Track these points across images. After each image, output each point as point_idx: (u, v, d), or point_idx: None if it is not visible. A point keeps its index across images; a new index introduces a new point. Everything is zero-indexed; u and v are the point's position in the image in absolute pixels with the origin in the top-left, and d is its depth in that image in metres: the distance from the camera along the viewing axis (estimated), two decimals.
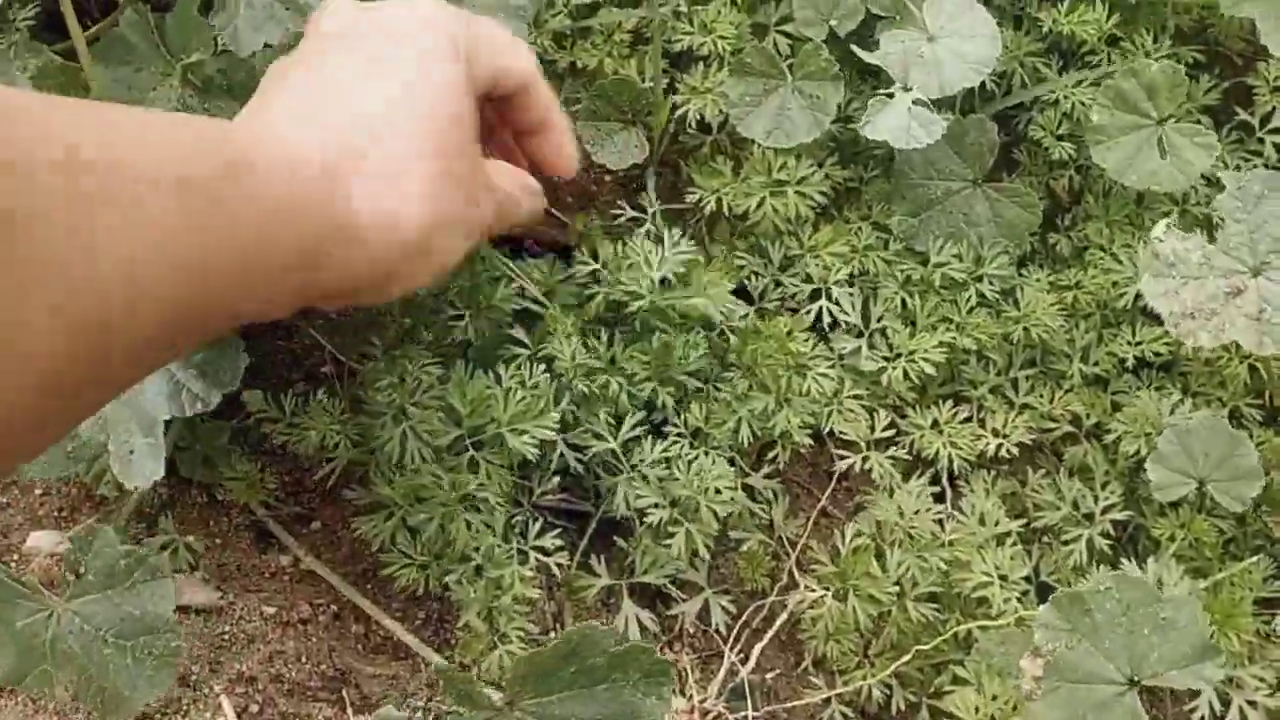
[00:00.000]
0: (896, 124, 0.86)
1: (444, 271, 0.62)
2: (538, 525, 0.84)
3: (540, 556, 0.82)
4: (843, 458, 0.89)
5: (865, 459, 0.88)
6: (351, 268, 0.56)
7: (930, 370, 0.87)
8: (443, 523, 0.81)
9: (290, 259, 0.52)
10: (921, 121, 0.86)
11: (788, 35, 0.98)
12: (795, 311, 0.92)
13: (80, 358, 0.42)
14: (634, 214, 0.97)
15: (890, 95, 0.88)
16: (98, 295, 0.42)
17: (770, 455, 0.90)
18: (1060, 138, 0.95)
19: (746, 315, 0.92)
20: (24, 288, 0.40)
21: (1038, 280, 0.92)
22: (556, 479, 0.87)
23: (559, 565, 0.83)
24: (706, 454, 0.85)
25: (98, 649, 0.72)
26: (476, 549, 0.81)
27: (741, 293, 0.94)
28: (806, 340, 0.89)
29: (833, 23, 0.96)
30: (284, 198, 0.51)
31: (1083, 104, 0.94)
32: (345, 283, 0.56)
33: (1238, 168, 0.95)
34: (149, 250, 0.44)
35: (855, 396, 0.89)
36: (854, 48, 0.90)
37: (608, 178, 1.04)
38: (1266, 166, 0.96)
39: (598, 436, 0.86)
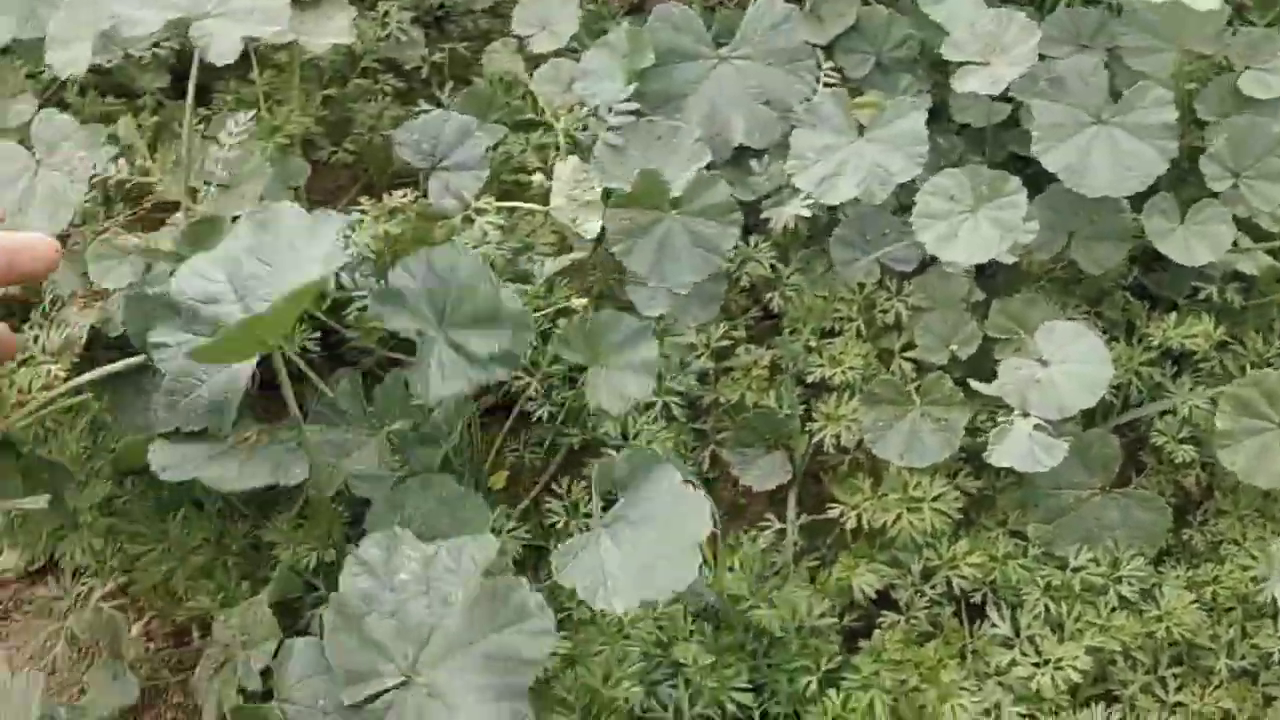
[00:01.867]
0: (1020, 450, 0.93)
1: None
2: None
3: None
4: None
5: None
6: None
7: (1076, 676, 0.91)
8: None
9: None
10: (1043, 446, 0.93)
11: (912, 360, 1.07)
12: (938, 626, 0.98)
13: None
14: (779, 526, 1.05)
15: (1010, 422, 0.95)
16: None
17: None
18: (1182, 440, 1.01)
19: (896, 624, 0.98)
20: None
21: (1176, 577, 0.97)
22: None
23: None
24: None
25: None
26: None
27: (889, 602, 1.00)
28: (959, 662, 0.94)
29: (953, 348, 1.05)
30: None
31: (1199, 408, 1.00)
32: None
33: None
34: None
35: (1014, 704, 0.93)
36: (971, 382, 0.99)
37: (754, 494, 1.12)
38: None
39: None
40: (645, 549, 0.79)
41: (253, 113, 1.13)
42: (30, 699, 0.84)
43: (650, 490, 0.82)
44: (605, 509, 0.83)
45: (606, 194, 1.10)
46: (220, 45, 1.07)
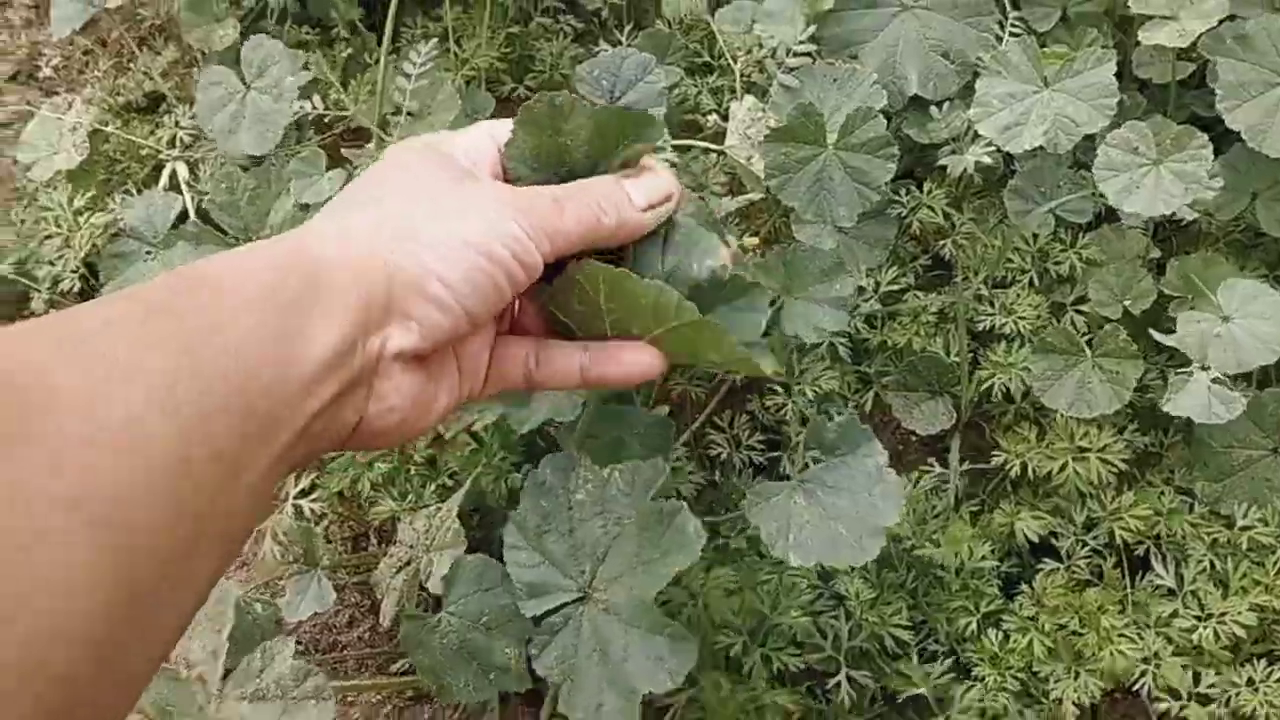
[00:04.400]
0: (1197, 401, 0.93)
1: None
2: None
3: None
4: (1161, 709, 0.94)
5: (1184, 707, 0.92)
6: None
7: (1241, 632, 0.92)
8: None
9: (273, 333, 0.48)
10: (1222, 399, 0.93)
11: (1083, 314, 1.07)
12: (1099, 575, 0.99)
13: (110, 569, 0.39)
14: (940, 471, 1.07)
15: (1189, 373, 0.95)
16: (110, 471, 0.39)
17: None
18: None
19: (1056, 571, 0.99)
20: (29, 480, 0.37)
21: None
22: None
23: None
24: (1022, 713, 0.91)
25: None
26: None
27: (1048, 550, 1.01)
28: (1119, 610, 0.95)
29: (1127, 303, 1.05)
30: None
31: None
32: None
33: None
34: (143, 404, 0.41)
35: (1174, 655, 0.94)
36: (1152, 332, 0.99)
37: (913, 438, 1.14)
38: None
39: (903, 676, 0.94)
40: (835, 518, 0.80)
41: (433, 41, 1.17)
42: (228, 597, 0.90)
43: (854, 463, 0.81)
44: (805, 468, 0.83)
45: None
46: None
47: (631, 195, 0.64)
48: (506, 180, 0.63)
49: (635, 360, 0.62)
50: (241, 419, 0.45)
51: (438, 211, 0.58)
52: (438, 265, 0.56)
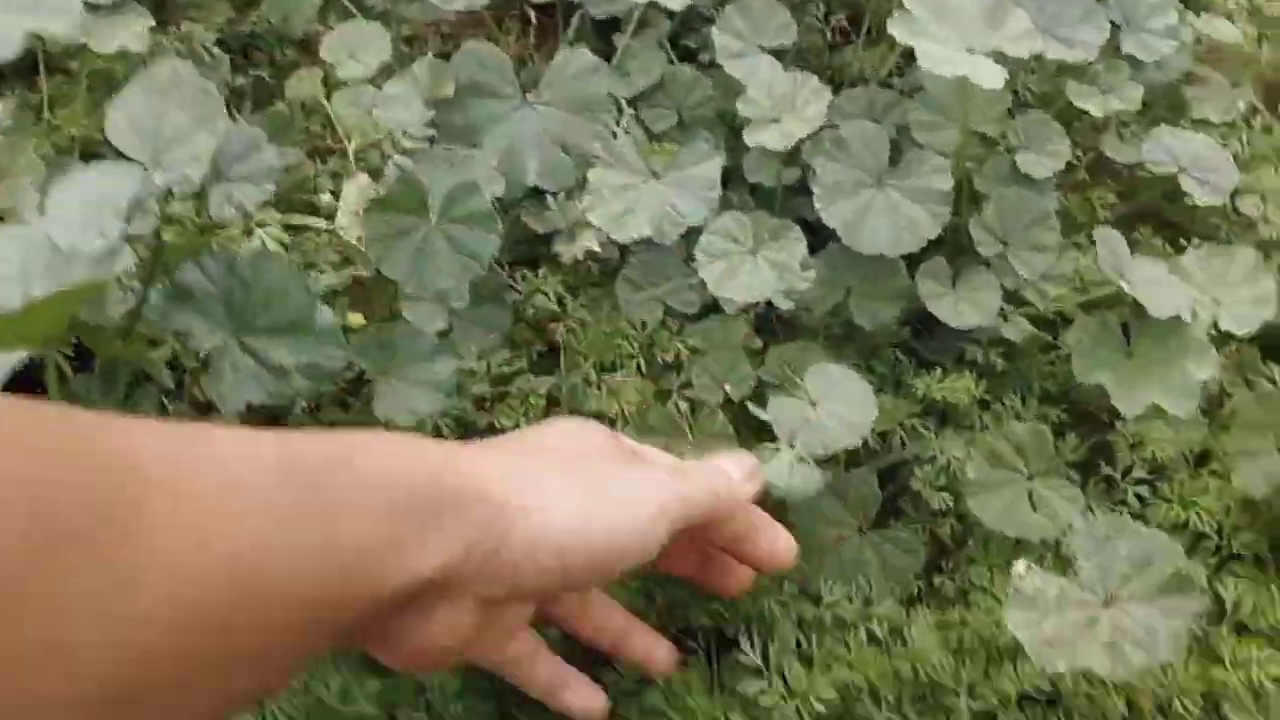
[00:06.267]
0: (780, 473, 0.94)
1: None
2: None
3: None
4: None
5: None
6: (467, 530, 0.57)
7: (822, 708, 0.90)
8: None
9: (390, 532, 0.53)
10: (802, 475, 0.94)
11: (689, 399, 1.08)
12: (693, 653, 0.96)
13: (180, 659, 0.43)
14: None
15: (777, 449, 0.96)
16: (204, 589, 0.43)
17: None
18: (939, 489, 1.03)
19: None
20: (136, 578, 0.40)
21: (925, 620, 0.98)
22: None
23: None
24: None
25: None
26: None
27: None
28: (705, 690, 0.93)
29: (727, 388, 1.06)
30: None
31: (957, 458, 1.03)
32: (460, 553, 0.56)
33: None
34: (251, 545, 0.45)
35: None
36: (749, 405, 1.00)
37: None
38: (1129, 513, 1.04)
39: None
40: None
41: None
42: None
43: None
44: None
45: None
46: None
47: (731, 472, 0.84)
48: None
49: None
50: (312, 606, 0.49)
51: (591, 494, 0.67)
52: (569, 543, 0.63)
